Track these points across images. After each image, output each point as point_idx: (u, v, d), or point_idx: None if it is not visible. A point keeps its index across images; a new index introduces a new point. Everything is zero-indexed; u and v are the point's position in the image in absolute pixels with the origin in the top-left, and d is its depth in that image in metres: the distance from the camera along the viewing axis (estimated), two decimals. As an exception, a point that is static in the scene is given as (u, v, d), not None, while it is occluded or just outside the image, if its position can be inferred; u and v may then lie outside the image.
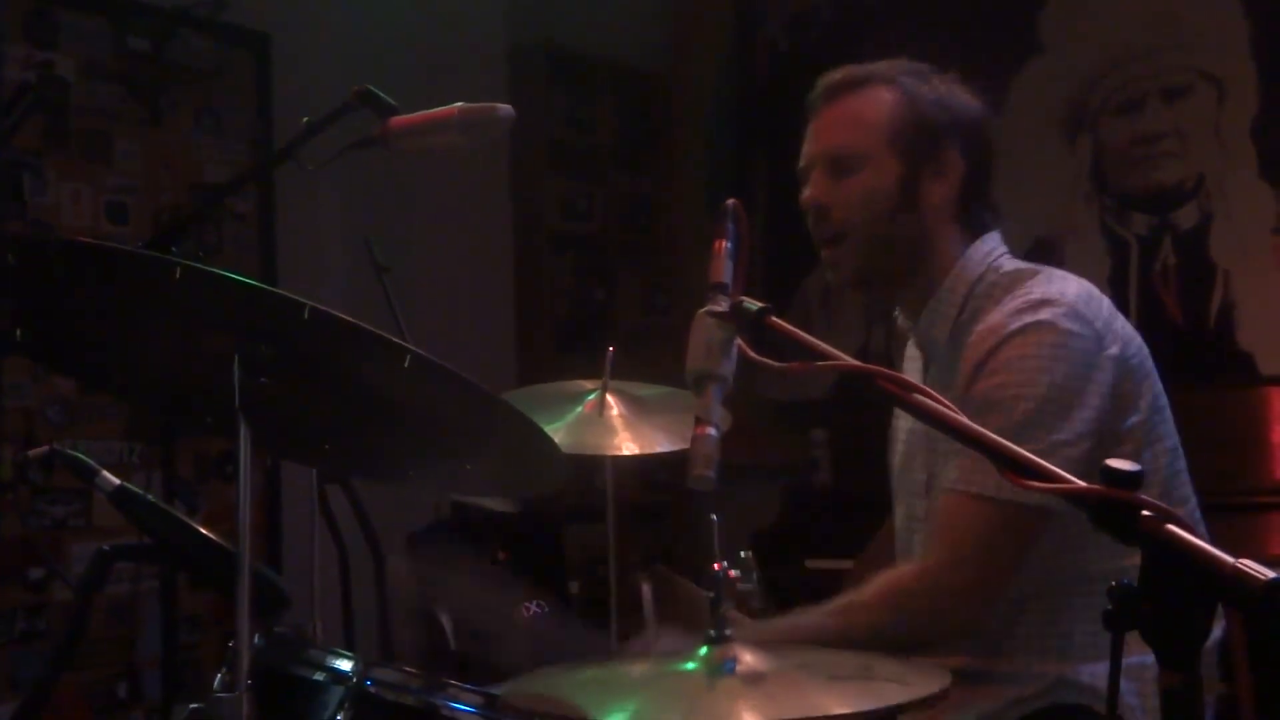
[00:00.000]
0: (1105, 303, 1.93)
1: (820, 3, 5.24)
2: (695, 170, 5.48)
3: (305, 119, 2.26)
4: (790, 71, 5.26)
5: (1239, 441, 3.75)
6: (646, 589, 3.68)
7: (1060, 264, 2.04)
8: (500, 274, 5.01)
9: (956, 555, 1.81)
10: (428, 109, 2.15)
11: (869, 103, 2.00)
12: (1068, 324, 1.84)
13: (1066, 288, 1.90)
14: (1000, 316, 1.88)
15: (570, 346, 5.06)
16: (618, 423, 2.54)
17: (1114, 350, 1.87)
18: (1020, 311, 1.87)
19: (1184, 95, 4.26)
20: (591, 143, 5.31)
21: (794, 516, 4.64)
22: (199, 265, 1.27)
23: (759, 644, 1.51)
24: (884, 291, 2.10)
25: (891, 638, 1.78)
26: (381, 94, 2.20)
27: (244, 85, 4.22)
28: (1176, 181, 4.25)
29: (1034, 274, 1.94)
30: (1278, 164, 4.06)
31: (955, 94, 2.02)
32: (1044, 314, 1.85)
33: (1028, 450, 1.67)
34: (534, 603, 2.77)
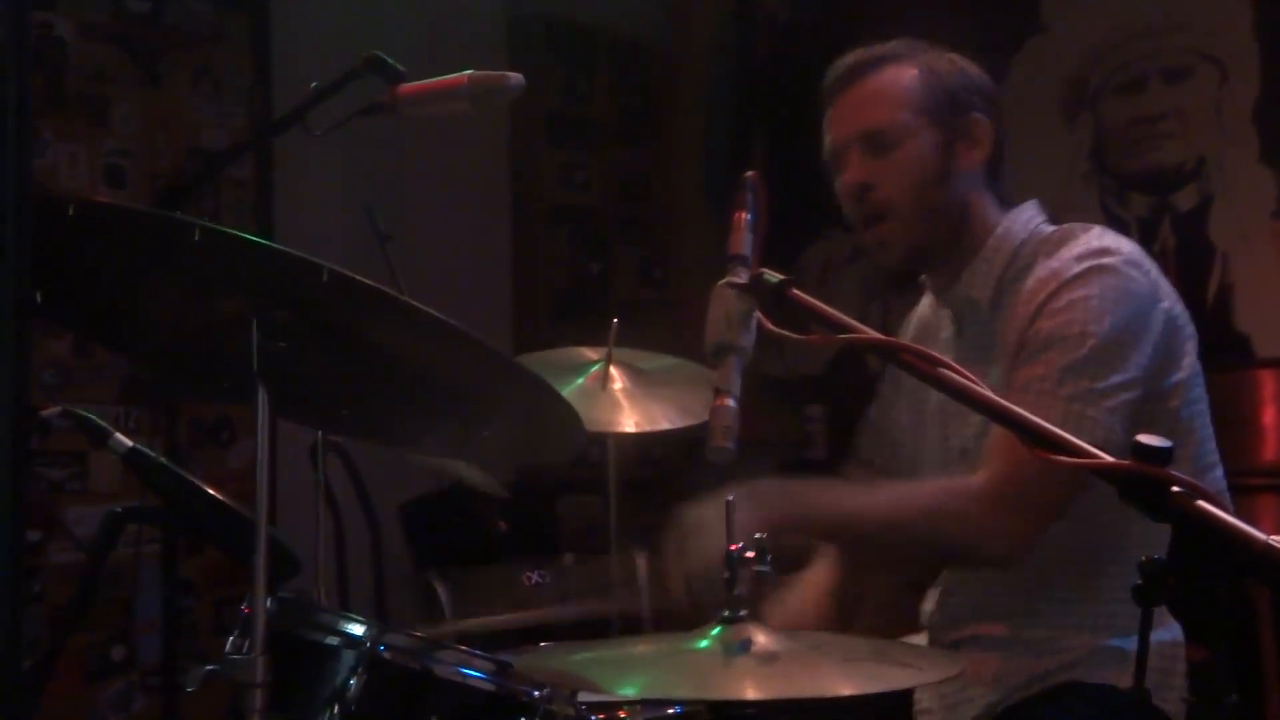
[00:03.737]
0: (1152, 263, 1.97)
1: (820, -25, 5.22)
2: (693, 143, 5.46)
3: (313, 84, 2.24)
4: (789, 45, 5.25)
5: (1233, 422, 3.75)
6: (642, 563, 3.70)
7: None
8: (497, 245, 4.99)
9: (1009, 477, 1.80)
10: (425, 78, 2.14)
11: (892, 79, 2.01)
12: (1128, 270, 1.88)
13: (1121, 242, 1.94)
14: (1061, 262, 1.91)
15: (566, 318, 5.06)
16: (621, 397, 2.53)
17: (1166, 304, 1.91)
18: (1083, 257, 1.90)
19: (1185, 76, 4.25)
20: (589, 115, 5.30)
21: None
22: (219, 228, 1.26)
23: (799, 515, 1.57)
24: (928, 263, 2.10)
25: (931, 539, 1.81)
26: (391, 61, 2.19)
27: (242, 49, 4.20)
28: (1176, 163, 4.25)
29: (1087, 229, 1.98)
30: (1278, 147, 4.06)
31: (966, 64, 2.05)
32: (1107, 260, 1.89)
33: (1091, 386, 1.74)
34: (536, 572, 2.78)
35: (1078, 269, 1.88)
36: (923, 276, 2.15)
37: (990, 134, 2.01)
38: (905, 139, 1.98)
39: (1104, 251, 1.90)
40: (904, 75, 2.01)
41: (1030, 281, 1.93)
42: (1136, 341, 1.85)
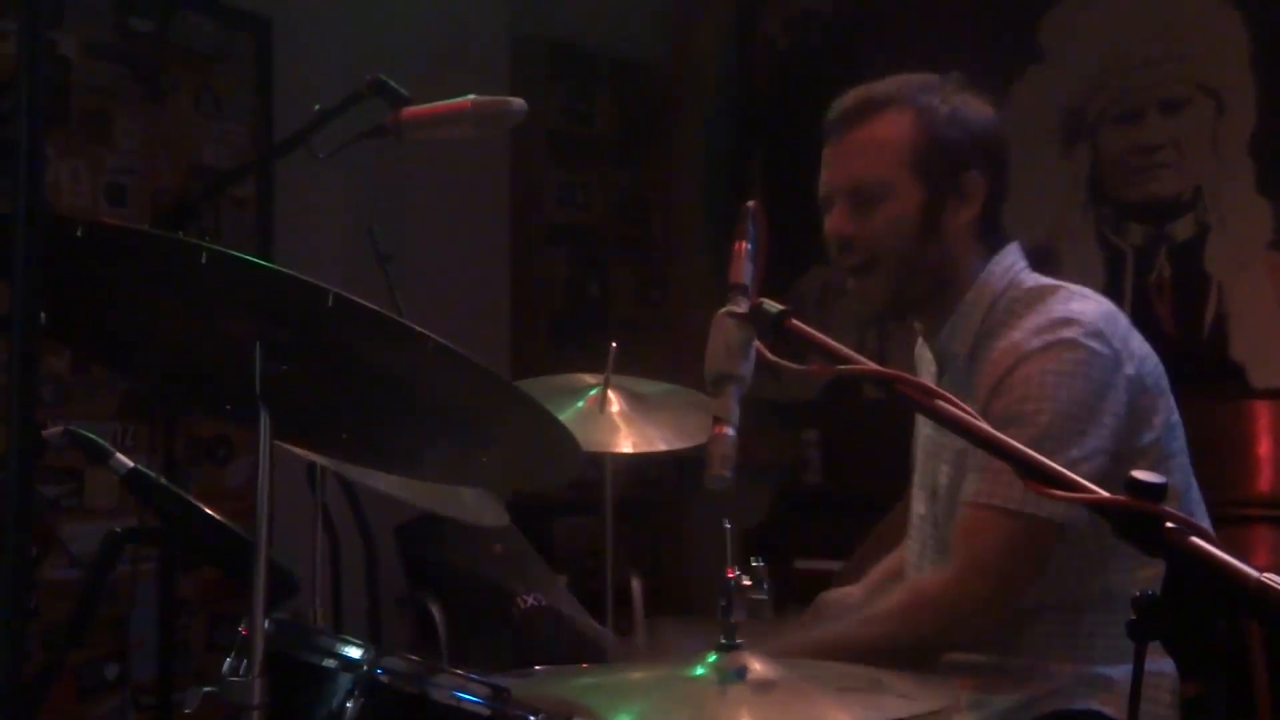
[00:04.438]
0: (1123, 321, 1.95)
1: (820, 2, 5.25)
2: (692, 166, 5.49)
3: (317, 106, 2.26)
4: (789, 71, 5.28)
5: (1228, 453, 3.78)
6: (637, 584, 3.70)
7: (1056, 273, 2.06)
8: (496, 264, 5.01)
9: (977, 566, 1.84)
10: (428, 99, 2.16)
11: (888, 129, 1.98)
12: (1087, 341, 1.86)
13: (1086, 306, 1.92)
14: (1021, 335, 1.90)
15: (564, 338, 5.07)
16: (618, 420, 2.55)
17: (1130, 370, 1.89)
18: (1041, 330, 1.88)
19: (1182, 107, 4.28)
20: (590, 135, 5.32)
21: (784, 516, 4.65)
22: (227, 250, 1.27)
23: (778, 656, 1.53)
24: (908, 314, 2.11)
25: (910, 646, 1.83)
26: (394, 84, 2.21)
27: (245, 69, 4.21)
28: (1173, 193, 4.27)
29: (1055, 291, 1.96)
30: (1274, 178, 4.08)
31: (970, 107, 2.01)
32: (1064, 332, 1.87)
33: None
34: (531, 595, 2.78)
35: (1035, 343, 1.87)
36: (915, 323, 2.15)
37: (983, 191, 1.99)
38: (891, 196, 1.96)
39: (1065, 323, 1.88)
40: (899, 127, 1.97)
41: (994, 351, 1.92)
42: (1095, 414, 1.83)
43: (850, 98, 2.03)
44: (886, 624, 1.88)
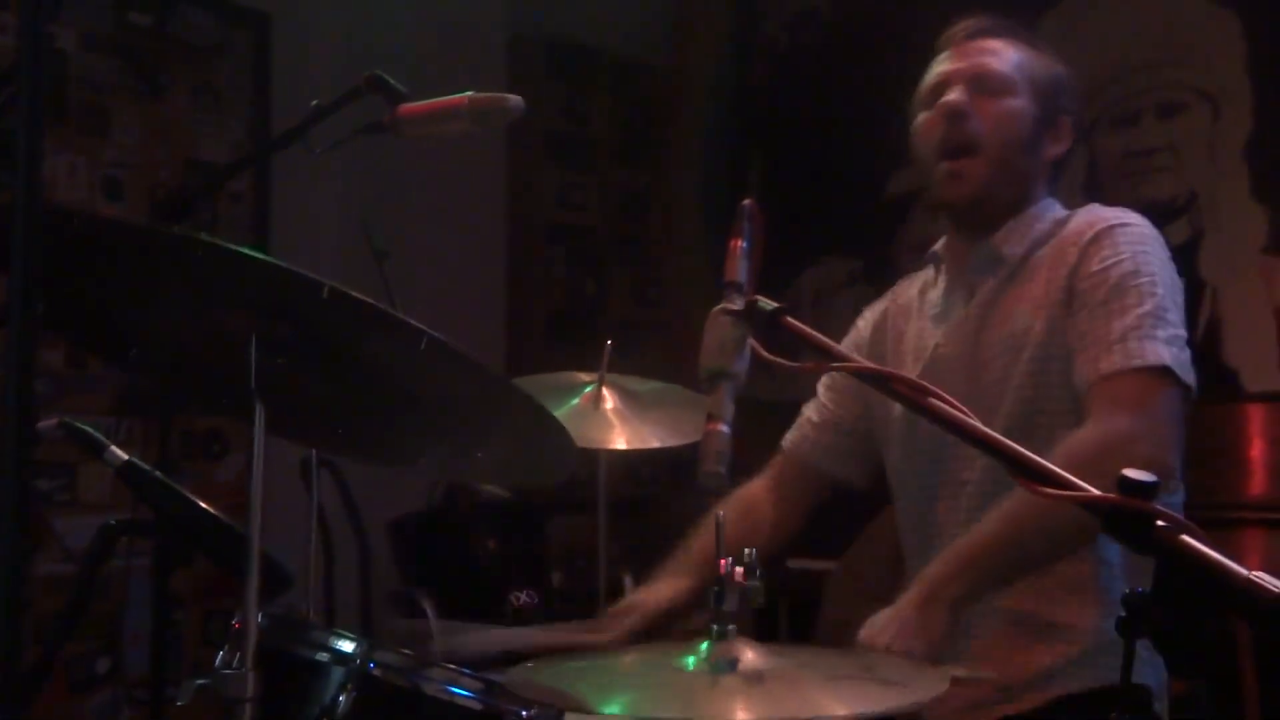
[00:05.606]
0: None
1: (820, 3, 5.25)
2: (690, 166, 5.49)
3: (314, 102, 2.26)
4: (788, 71, 5.28)
5: (1221, 457, 3.78)
6: (629, 582, 3.70)
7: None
8: (493, 263, 5.01)
9: (1147, 417, 1.86)
10: (426, 96, 2.16)
11: (1017, 49, 2.12)
12: (1161, 239, 2.04)
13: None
14: (1101, 214, 2.05)
15: (560, 337, 5.08)
16: (613, 417, 2.56)
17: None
18: (1120, 212, 2.05)
19: (1179, 112, 4.29)
20: (588, 135, 5.32)
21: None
22: (223, 244, 1.28)
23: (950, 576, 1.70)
24: (979, 216, 2.14)
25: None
26: (392, 81, 2.21)
27: (243, 64, 4.22)
28: (1168, 197, 4.28)
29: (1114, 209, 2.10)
30: (1269, 183, 4.08)
31: (1069, 73, 2.16)
32: (1140, 220, 2.04)
33: (1169, 332, 1.85)
34: (525, 592, 2.79)
35: (1122, 217, 2.02)
36: (935, 248, 2.21)
37: (1069, 139, 2.13)
38: (1012, 93, 2.07)
39: (1140, 219, 2.04)
40: (1028, 53, 2.12)
41: (1070, 230, 2.04)
42: (1176, 294, 1.99)
43: (977, 18, 2.16)
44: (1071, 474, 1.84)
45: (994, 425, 1.87)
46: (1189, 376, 1.88)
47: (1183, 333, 1.92)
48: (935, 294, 2.20)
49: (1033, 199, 2.11)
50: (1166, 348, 1.87)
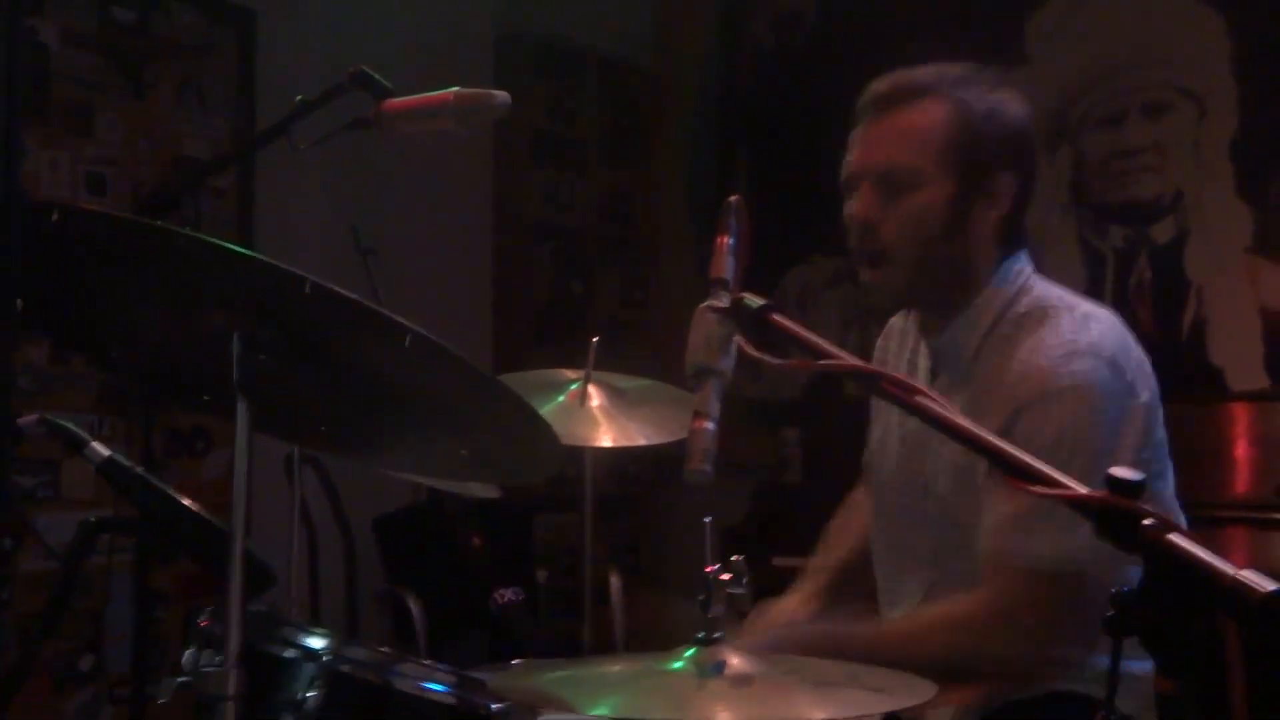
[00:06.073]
0: (1130, 337, 1.92)
1: (806, 4, 5.25)
2: (677, 166, 5.49)
3: (299, 97, 2.24)
4: (774, 72, 5.28)
5: (1205, 455, 3.79)
6: (615, 580, 3.69)
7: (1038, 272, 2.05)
8: (479, 262, 5.00)
9: (1012, 604, 1.81)
10: (411, 94, 2.15)
11: (924, 117, 1.92)
12: (1107, 383, 1.84)
13: (1105, 333, 1.88)
14: (1044, 361, 1.86)
15: (547, 337, 5.07)
16: (599, 414, 2.55)
17: (1145, 397, 1.87)
18: (1065, 357, 1.84)
19: (1165, 111, 4.30)
20: (575, 134, 5.32)
21: (763, 514, 4.66)
22: (203, 237, 1.26)
23: (803, 644, 1.61)
24: (916, 308, 2.08)
25: (947, 663, 1.78)
26: (377, 76, 2.20)
27: (228, 61, 4.20)
28: (1154, 196, 4.29)
29: (1070, 309, 1.92)
30: (1254, 182, 4.10)
31: (1005, 105, 1.95)
32: (1085, 365, 1.83)
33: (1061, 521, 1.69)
34: (510, 590, 2.78)
35: (1058, 384, 1.83)
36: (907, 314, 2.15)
37: (1011, 192, 1.94)
38: (921, 186, 1.90)
39: (1085, 353, 1.85)
40: (936, 116, 1.91)
41: (1010, 370, 1.88)
42: (1116, 452, 1.82)
43: (888, 81, 1.97)
44: (922, 647, 1.84)
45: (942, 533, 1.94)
46: (1074, 563, 1.74)
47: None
48: (921, 346, 2.13)
49: (977, 277, 1.96)
50: (1045, 541, 1.77)
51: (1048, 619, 1.80)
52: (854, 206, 1.95)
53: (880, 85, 1.96)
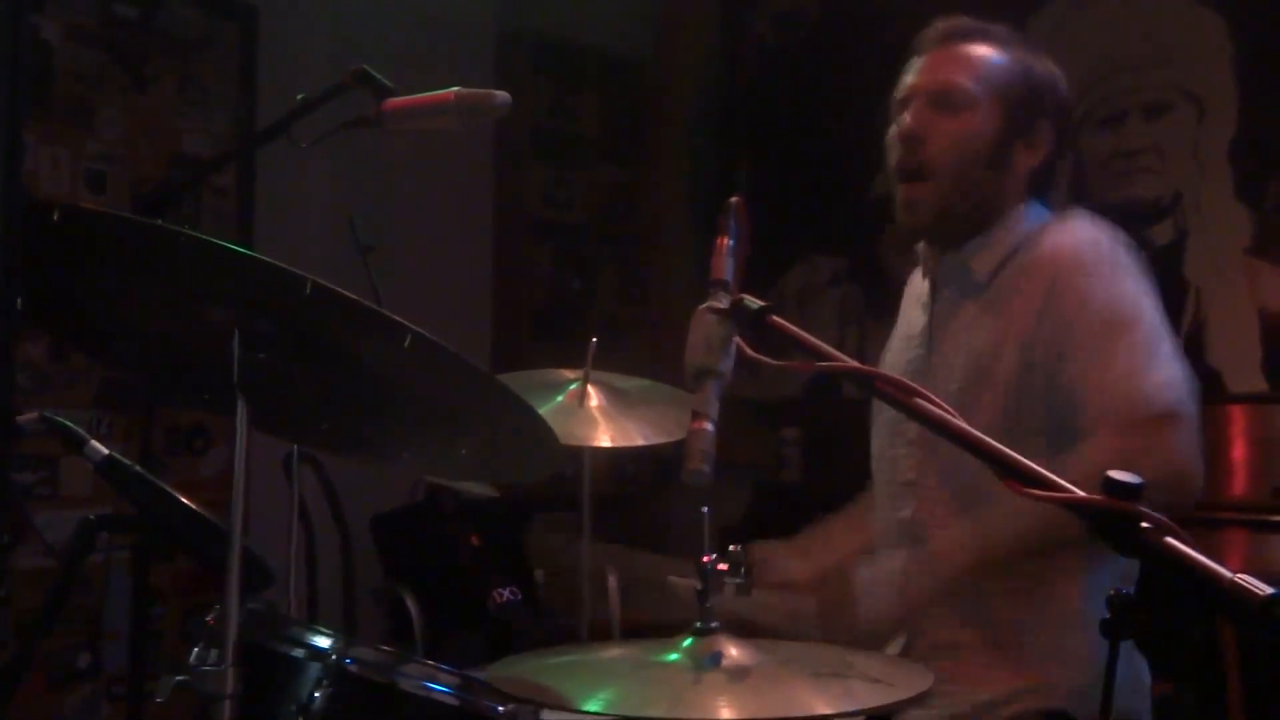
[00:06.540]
0: None
1: (808, 2, 5.25)
2: (677, 164, 5.48)
3: (300, 95, 2.25)
4: (776, 69, 5.27)
5: (1204, 456, 3.78)
6: (613, 579, 3.70)
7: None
8: (479, 259, 5.00)
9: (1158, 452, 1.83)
10: (412, 92, 2.15)
11: (986, 51, 2.06)
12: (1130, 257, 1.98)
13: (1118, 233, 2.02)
14: (1059, 246, 1.98)
15: (546, 334, 5.07)
16: (597, 414, 2.56)
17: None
18: (1094, 241, 1.98)
19: (1165, 112, 4.30)
20: (575, 132, 5.31)
21: (762, 513, 4.65)
22: (205, 237, 1.27)
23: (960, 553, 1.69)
24: (942, 232, 2.13)
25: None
26: (378, 75, 2.20)
27: (229, 58, 4.20)
28: (1153, 197, 4.29)
29: (1079, 215, 2.05)
30: (1253, 185, 4.10)
31: (1055, 73, 2.09)
32: (1104, 239, 1.98)
33: (1164, 362, 1.81)
34: (507, 589, 2.78)
35: (1102, 251, 1.96)
36: (917, 247, 2.20)
37: (1048, 144, 2.06)
38: (973, 108, 2.02)
39: (1114, 238, 1.98)
40: (996, 54, 2.06)
41: (1035, 258, 1.98)
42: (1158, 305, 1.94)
43: (954, 20, 2.10)
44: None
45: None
46: (1186, 393, 1.84)
47: (1169, 345, 1.89)
48: (924, 290, 2.20)
49: (1001, 214, 2.06)
50: (1163, 376, 1.84)
51: (1186, 454, 1.83)
52: (905, 120, 2.05)
53: (945, 23, 2.11)
